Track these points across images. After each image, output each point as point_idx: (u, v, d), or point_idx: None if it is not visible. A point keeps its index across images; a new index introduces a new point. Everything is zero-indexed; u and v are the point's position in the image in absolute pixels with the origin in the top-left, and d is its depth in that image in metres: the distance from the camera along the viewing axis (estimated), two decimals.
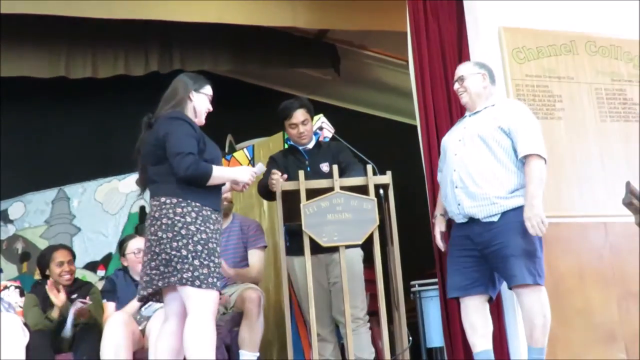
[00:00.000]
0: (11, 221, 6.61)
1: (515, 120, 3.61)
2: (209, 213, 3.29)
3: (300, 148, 4.31)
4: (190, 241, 3.18)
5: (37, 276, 5.03)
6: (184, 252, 3.16)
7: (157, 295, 3.39)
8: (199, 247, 3.19)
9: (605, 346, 4.23)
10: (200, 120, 3.52)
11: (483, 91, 3.81)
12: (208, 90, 3.55)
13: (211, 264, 3.21)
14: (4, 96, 6.47)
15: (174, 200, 3.24)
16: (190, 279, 3.15)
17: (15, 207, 6.64)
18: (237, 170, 3.52)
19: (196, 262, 3.17)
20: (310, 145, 4.33)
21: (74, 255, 4.72)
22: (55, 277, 4.52)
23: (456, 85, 3.88)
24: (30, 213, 6.60)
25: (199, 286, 3.16)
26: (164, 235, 3.20)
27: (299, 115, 4.26)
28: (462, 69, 3.90)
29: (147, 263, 3.26)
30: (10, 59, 5.81)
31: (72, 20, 5.62)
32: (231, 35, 6.32)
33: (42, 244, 6.37)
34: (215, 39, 6.37)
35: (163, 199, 3.26)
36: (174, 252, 3.16)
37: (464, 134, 3.74)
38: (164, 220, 3.21)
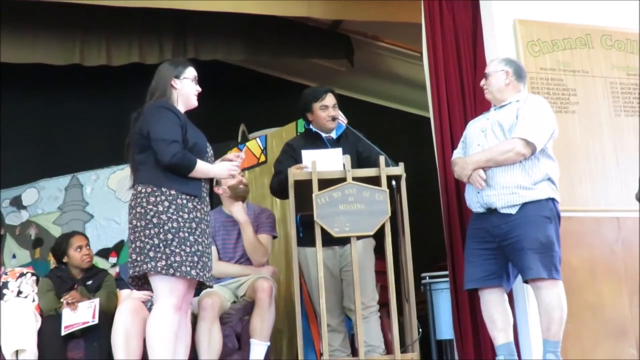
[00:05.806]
0: (24, 207, 6.65)
1: (526, 109, 3.65)
2: (184, 202, 3.30)
3: (324, 137, 4.30)
4: (161, 230, 3.22)
5: (53, 264, 5.06)
6: (156, 241, 3.21)
7: (146, 285, 3.42)
8: (169, 236, 3.22)
9: (615, 341, 4.22)
10: (191, 103, 3.55)
11: (505, 88, 3.82)
12: (189, 73, 3.55)
13: (182, 253, 3.23)
14: (18, 83, 6.49)
15: (149, 189, 3.28)
16: (165, 267, 3.19)
17: (28, 194, 6.68)
18: (216, 167, 3.50)
19: (167, 251, 3.20)
20: (334, 135, 4.31)
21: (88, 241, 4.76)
22: (77, 262, 4.57)
23: (482, 82, 3.93)
24: (44, 199, 6.63)
25: (173, 274, 3.20)
26: (138, 224, 3.26)
27: (330, 98, 4.27)
28: (489, 66, 3.94)
29: (129, 251, 3.34)
30: (24, 46, 5.82)
31: (86, 7, 5.62)
32: (245, 24, 6.30)
33: (55, 230, 6.41)
34: (229, 28, 6.36)
35: (139, 188, 3.32)
36: (147, 240, 3.22)
37: (486, 125, 3.79)
38: (138, 209, 3.28)
